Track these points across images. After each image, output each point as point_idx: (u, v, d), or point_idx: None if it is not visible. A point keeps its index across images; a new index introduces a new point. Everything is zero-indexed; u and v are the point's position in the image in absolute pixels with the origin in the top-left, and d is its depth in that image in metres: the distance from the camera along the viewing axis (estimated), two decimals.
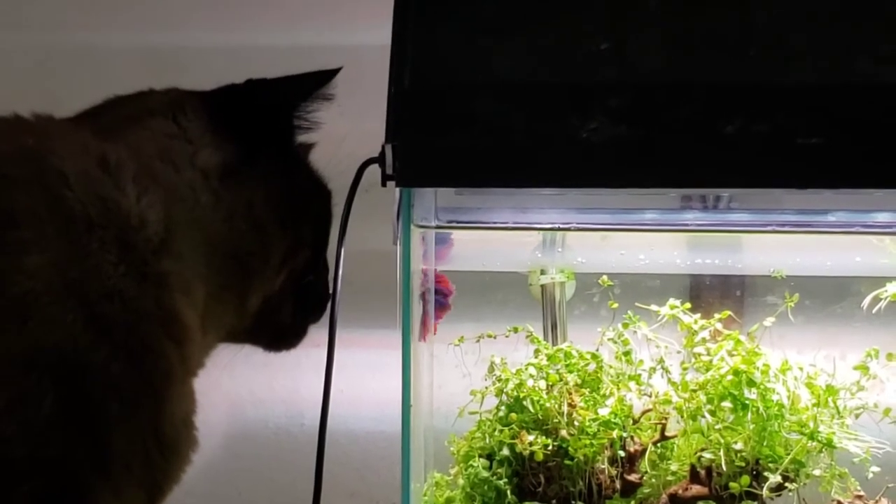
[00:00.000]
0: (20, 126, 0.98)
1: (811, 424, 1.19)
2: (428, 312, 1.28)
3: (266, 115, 1.10)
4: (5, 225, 0.87)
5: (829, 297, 1.37)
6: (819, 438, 1.19)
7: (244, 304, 1.10)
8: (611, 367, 1.30)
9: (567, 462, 1.23)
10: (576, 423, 1.24)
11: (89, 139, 0.97)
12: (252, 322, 1.12)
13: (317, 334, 1.20)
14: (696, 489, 1.22)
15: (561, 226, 1.22)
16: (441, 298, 1.32)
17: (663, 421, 1.25)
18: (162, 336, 0.94)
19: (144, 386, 0.92)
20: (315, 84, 1.11)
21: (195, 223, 1.02)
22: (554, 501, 1.24)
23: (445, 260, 1.32)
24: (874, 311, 1.24)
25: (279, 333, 1.17)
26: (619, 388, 1.28)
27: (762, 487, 1.18)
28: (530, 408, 1.26)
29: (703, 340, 1.27)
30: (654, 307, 1.30)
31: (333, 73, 1.12)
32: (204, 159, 1.05)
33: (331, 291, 1.17)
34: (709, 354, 1.26)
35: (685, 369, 1.27)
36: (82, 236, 0.90)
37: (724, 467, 1.19)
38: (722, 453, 1.19)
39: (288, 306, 1.15)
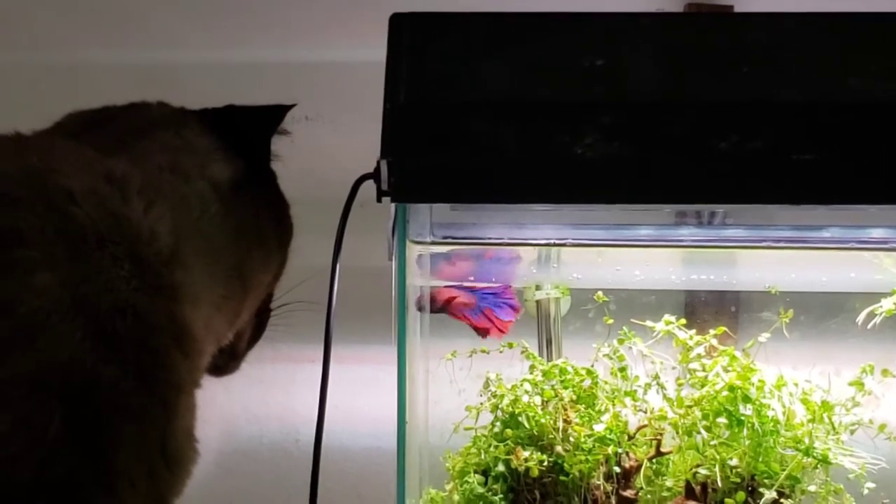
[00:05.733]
0: (22, 144, 0.98)
1: (806, 440, 1.19)
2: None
3: (260, 136, 1.12)
4: (12, 244, 0.86)
5: (824, 313, 1.37)
6: (814, 454, 1.19)
7: (237, 317, 1.10)
8: (606, 382, 1.30)
9: (562, 478, 1.23)
10: (571, 438, 1.24)
11: (91, 155, 0.97)
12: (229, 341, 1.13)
13: (311, 350, 1.20)
14: None
15: (556, 242, 1.22)
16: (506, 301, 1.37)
17: (659, 437, 1.25)
18: (173, 349, 0.93)
19: (154, 401, 0.91)
20: (282, 115, 1.14)
21: (202, 233, 1.02)
22: None
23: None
24: (869, 326, 1.24)
25: (231, 357, 1.17)
26: (614, 404, 1.28)
27: (757, 503, 1.18)
28: (525, 424, 1.25)
29: (699, 356, 1.27)
30: (649, 323, 1.30)
31: (288, 108, 1.15)
32: (215, 171, 1.06)
33: (326, 306, 1.17)
34: (704, 370, 1.26)
35: (680, 385, 1.27)
36: (93, 253, 0.89)
37: (719, 483, 1.19)
38: (717, 469, 1.19)
39: (249, 331, 1.16)
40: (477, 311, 1.36)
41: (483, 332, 1.37)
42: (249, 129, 1.12)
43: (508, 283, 1.40)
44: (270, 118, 1.14)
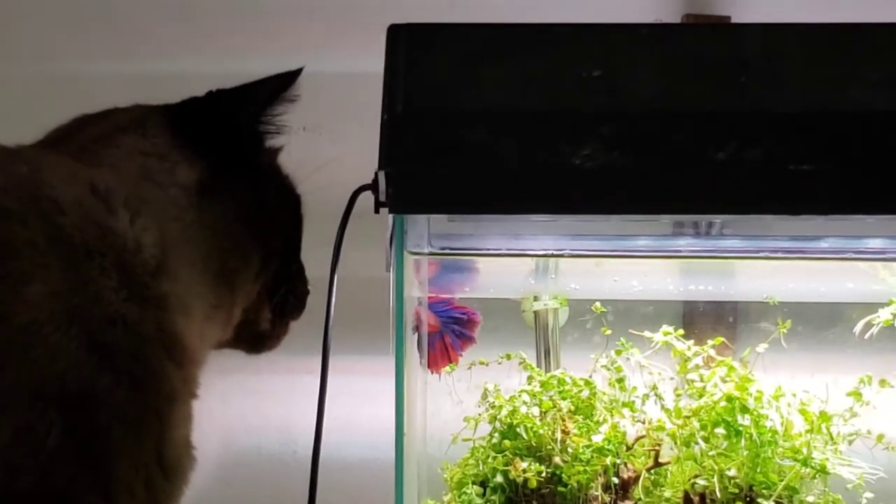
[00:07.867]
0: (10, 156, 0.98)
1: (805, 451, 1.19)
2: (424, 345, 1.30)
3: (230, 125, 1.09)
4: (4, 256, 0.86)
5: (822, 323, 1.37)
6: (812, 465, 1.19)
7: (230, 319, 1.10)
8: (604, 393, 1.30)
9: (561, 489, 1.23)
10: (569, 449, 1.24)
11: (74, 166, 0.97)
12: (232, 332, 1.12)
13: (310, 361, 1.20)
14: None
15: (554, 252, 1.22)
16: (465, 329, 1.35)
17: (657, 447, 1.25)
18: (164, 359, 0.93)
19: (148, 411, 0.91)
20: (277, 88, 1.09)
21: (187, 242, 1.01)
22: None
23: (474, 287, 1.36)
24: (866, 336, 1.24)
25: (259, 338, 1.17)
26: (612, 415, 1.28)
27: None
28: (524, 434, 1.25)
29: (697, 367, 1.27)
30: (647, 334, 1.30)
31: (295, 74, 1.10)
32: (182, 176, 1.04)
33: (324, 318, 1.17)
34: (702, 381, 1.26)
35: (678, 396, 1.27)
36: (82, 264, 0.90)
37: (717, 494, 1.19)
38: (716, 480, 1.19)
39: (265, 312, 1.15)
40: (437, 337, 1.35)
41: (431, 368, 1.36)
42: (215, 121, 1.08)
43: (453, 296, 1.38)
44: (247, 100, 1.09)
